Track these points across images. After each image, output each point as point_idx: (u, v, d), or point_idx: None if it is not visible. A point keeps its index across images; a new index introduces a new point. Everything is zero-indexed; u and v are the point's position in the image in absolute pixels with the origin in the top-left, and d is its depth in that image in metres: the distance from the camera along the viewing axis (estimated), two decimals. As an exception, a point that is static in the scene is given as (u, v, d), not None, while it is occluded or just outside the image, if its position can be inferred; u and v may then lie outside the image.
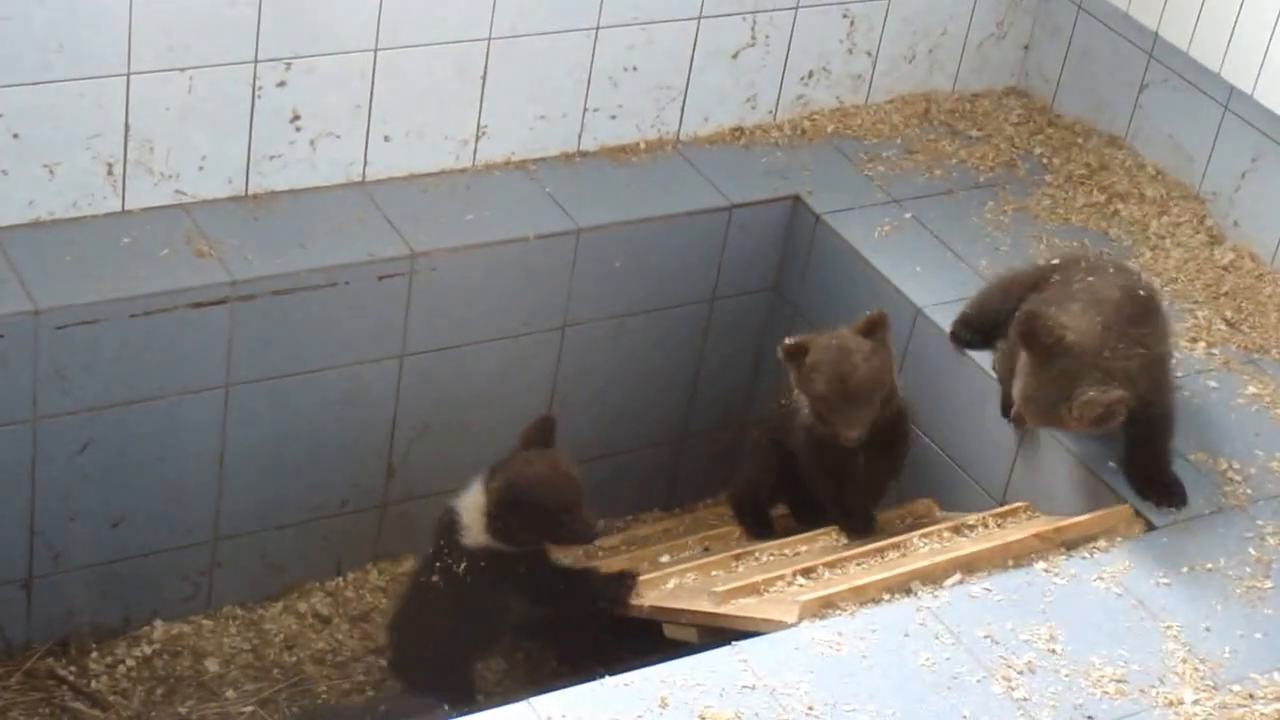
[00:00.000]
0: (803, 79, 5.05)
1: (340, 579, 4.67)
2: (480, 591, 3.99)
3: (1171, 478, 3.96)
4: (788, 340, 4.01)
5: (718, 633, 3.66)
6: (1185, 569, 3.80)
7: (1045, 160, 5.11)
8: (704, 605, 3.76)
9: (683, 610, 3.82)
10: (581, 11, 4.62)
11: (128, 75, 4.15)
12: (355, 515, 4.62)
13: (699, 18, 4.79)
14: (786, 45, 4.97)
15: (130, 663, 4.34)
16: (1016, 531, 3.87)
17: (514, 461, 3.98)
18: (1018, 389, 3.90)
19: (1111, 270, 4.07)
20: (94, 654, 4.34)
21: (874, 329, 4.00)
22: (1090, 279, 4.01)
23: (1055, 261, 4.21)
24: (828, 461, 4.08)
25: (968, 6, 5.19)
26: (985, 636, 3.55)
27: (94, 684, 4.27)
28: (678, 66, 4.83)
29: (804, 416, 4.06)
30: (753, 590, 3.75)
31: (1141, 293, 3.99)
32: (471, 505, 3.99)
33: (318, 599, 4.61)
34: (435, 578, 4.04)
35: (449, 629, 4.09)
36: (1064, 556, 3.80)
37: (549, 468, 3.96)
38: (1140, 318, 3.92)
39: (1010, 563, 3.77)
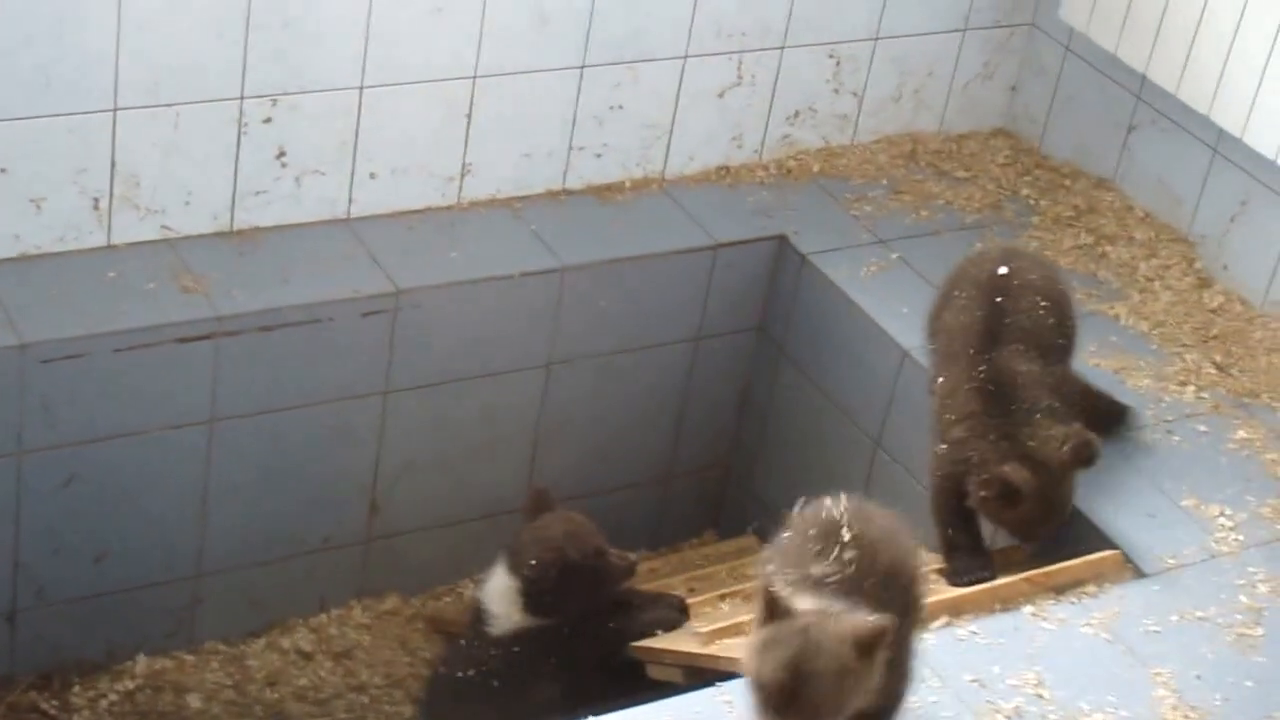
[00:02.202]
0: (789, 119, 5.05)
1: (323, 615, 4.63)
2: (516, 680, 3.94)
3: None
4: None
5: (702, 673, 3.65)
6: (1175, 616, 3.78)
7: (1033, 202, 5.11)
8: (689, 646, 3.75)
9: (667, 650, 3.80)
10: (567, 50, 4.63)
11: (114, 111, 4.14)
12: (338, 551, 4.59)
13: (685, 57, 4.80)
14: (772, 85, 4.97)
15: (113, 697, 4.31)
16: (1004, 575, 3.86)
17: (529, 533, 3.96)
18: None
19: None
20: (76, 688, 4.31)
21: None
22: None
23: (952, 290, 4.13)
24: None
25: (954, 47, 5.20)
26: (972, 680, 3.54)
27: (76, 718, 4.24)
28: (663, 105, 4.84)
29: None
30: (738, 631, 3.74)
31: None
32: (499, 591, 3.95)
33: (300, 635, 4.58)
34: (471, 672, 4.00)
35: None
36: (1053, 601, 3.78)
37: (565, 524, 3.97)
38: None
39: (998, 606, 3.76)
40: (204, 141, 4.28)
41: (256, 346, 4.22)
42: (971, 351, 3.88)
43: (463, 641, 4.07)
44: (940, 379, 3.93)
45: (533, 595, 3.89)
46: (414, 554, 4.67)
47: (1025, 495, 3.74)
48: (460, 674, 4.00)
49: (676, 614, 4.04)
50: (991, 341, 3.88)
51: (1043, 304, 3.95)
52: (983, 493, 3.76)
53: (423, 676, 4.48)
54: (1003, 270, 3.97)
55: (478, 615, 3.99)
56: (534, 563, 3.88)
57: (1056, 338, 3.98)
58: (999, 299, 3.93)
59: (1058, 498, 3.81)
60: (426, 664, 4.55)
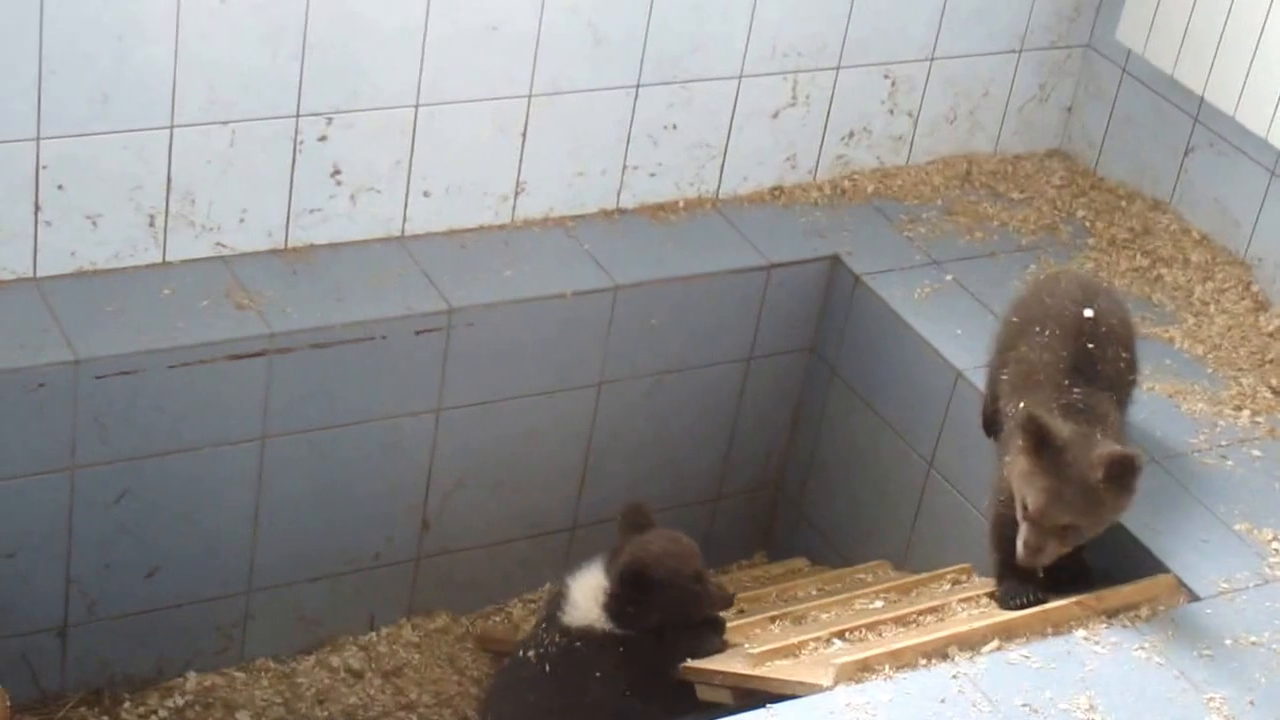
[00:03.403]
0: (843, 139, 5.04)
1: (373, 633, 4.64)
2: (571, 673, 3.92)
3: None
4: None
5: (752, 695, 3.64)
6: (1229, 641, 3.75)
7: (1088, 224, 5.09)
8: (738, 667, 3.73)
9: (717, 671, 3.79)
10: (622, 69, 4.63)
11: (171, 128, 4.16)
12: (389, 569, 4.60)
13: (740, 77, 4.79)
14: (827, 105, 4.96)
15: (163, 713, 4.32)
16: (1057, 598, 3.83)
17: (634, 545, 3.94)
18: (1031, 496, 3.76)
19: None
20: (126, 704, 4.32)
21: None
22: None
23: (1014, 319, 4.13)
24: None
25: (1010, 68, 5.18)
26: (1023, 705, 3.52)
27: (126, 735, 4.27)
28: (718, 125, 4.83)
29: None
30: (788, 652, 3.72)
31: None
32: (588, 584, 3.93)
33: (350, 653, 4.58)
34: (531, 654, 4.00)
35: (534, 710, 4.02)
36: (1105, 625, 3.76)
37: (670, 541, 3.94)
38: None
39: (1050, 630, 3.74)
40: (260, 159, 4.30)
41: (309, 364, 4.23)
42: (1055, 388, 3.86)
43: (535, 625, 4.06)
44: (1012, 407, 3.91)
45: (618, 604, 3.88)
46: (464, 572, 4.67)
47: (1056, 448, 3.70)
48: (521, 651, 4.00)
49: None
50: (1076, 380, 3.87)
51: (1124, 354, 3.98)
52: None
53: (471, 695, 4.48)
54: (1089, 313, 3.96)
55: (558, 596, 3.98)
56: (628, 575, 3.86)
57: (1128, 375, 4.01)
58: (1088, 344, 3.92)
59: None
60: (475, 683, 4.55)
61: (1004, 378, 4.04)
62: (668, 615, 3.90)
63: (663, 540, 3.94)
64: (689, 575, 3.90)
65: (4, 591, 4.12)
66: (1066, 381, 3.86)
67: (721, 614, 4.04)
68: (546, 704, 3.93)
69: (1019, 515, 3.74)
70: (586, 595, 3.92)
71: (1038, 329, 3.99)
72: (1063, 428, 3.71)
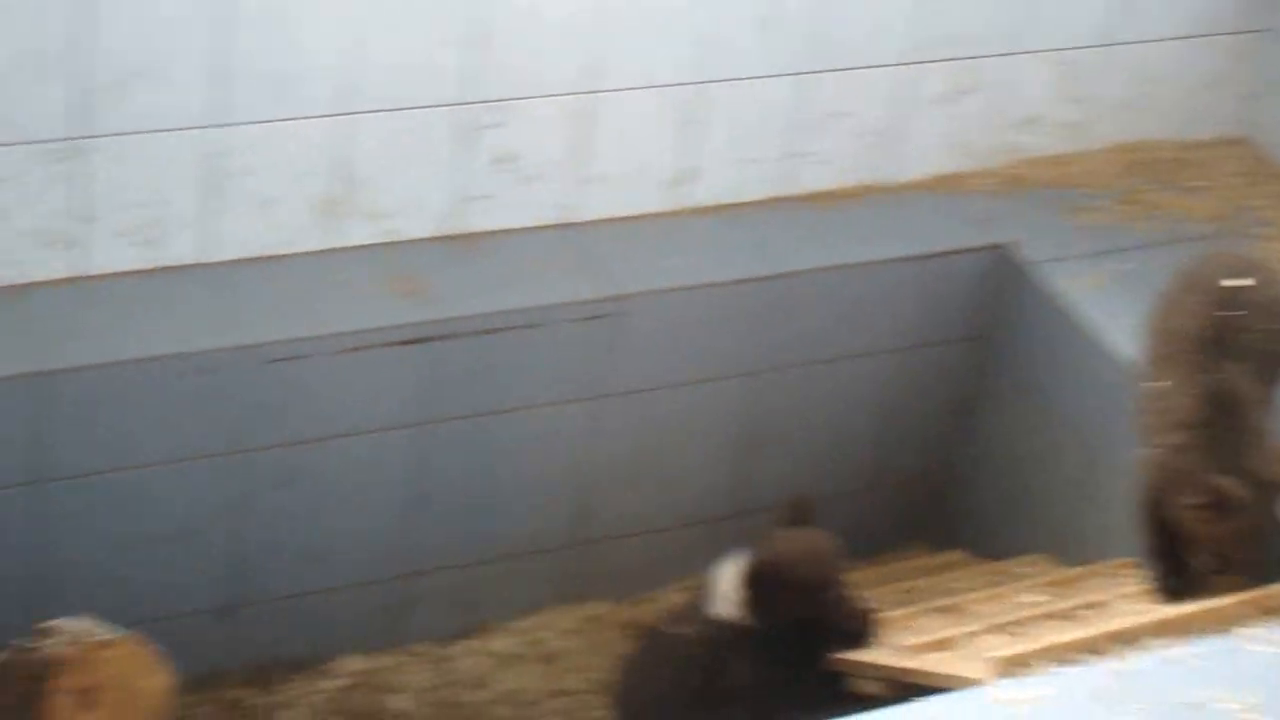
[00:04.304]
0: (1015, 125, 4.98)
1: (531, 619, 4.68)
2: (707, 659, 3.93)
3: None
4: None
5: (906, 688, 3.62)
6: (1400, 641, 3.67)
7: (1265, 213, 4.98)
8: (892, 659, 3.71)
9: (870, 664, 3.77)
10: (792, 56, 4.61)
11: (343, 115, 4.22)
12: (546, 555, 4.64)
13: (910, 63, 4.75)
14: (1000, 91, 4.91)
15: (321, 694, 4.39)
16: (1221, 596, 3.77)
17: (771, 543, 3.95)
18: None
19: None
20: (286, 684, 4.40)
21: None
22: None
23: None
24: None
25: (1187, 54, 5.09)
26: (1183, 704, 3.46)
27: (283, 714, 4.33)
28: (888, 112, 4.80)
29: None
30: (943, 645, 3.70)
31: None
32: (729, 575, 3.94)
33: (508, 638, 4.63)
34: (673, 631, 4.01)
35: (669, 687, 4.05)
36: (1270, 624, 3.69)
37: (808, 546, 3.92)
38: None
39: (1212, 628, 3.67)
40: (430, 145, 4.35)
41: (474, 350, 4.27)
42: (1198, 360, 3.79)
43: (682, 607, 4.08)
44: (1156, 382, 3.84)
45: (744, 592, 3.88)
46: (620, 559, 4.69)
47: (1237, 511, 3.65)
48: (663, 628, 4.02)
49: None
50: (1221, 353, 3.79)
51: (1277, 327, 3.87)
52: (1193, 500, 3.67)
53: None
54: (1241, 283, 3.87)
55: (704, 586, 3.98)
56: (753, 575, 3.86)
57: None
58: (1235, 312, 3.83)
59: (1264, 521, 3.72)
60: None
61: (1153, 348, 3.95)
62: (796, 617, 3.89)
63: (802, 543, 3.91)
64: (818, 583, 3.87)
65: (171, 571, 4.21)
66: (1204, 357, 3.77)
67: (869, 614, 4.02)
68: (682, 683, 3.95)
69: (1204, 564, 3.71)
70: (726, 586, 3.92)
71: (1189, 297, 3.89)
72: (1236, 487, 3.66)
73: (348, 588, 4.43)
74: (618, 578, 4.70)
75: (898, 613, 4.09)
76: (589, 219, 4.60)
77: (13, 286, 4.11)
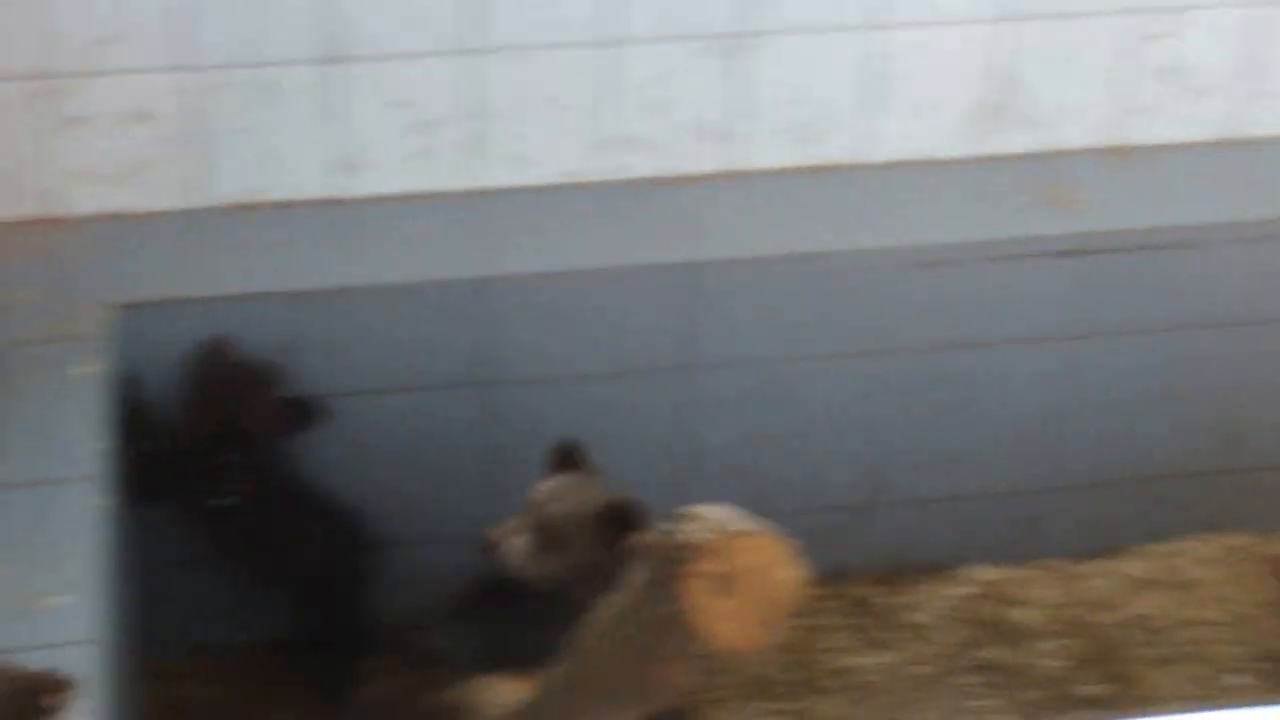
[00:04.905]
0: None
1: (1167, 545, 4.54)
2: None
3: None
4: None
5: None
6: None
7: None
8: None
9: None
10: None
11: (1004, 22, 4.18)
12: (1189, 480, 4.48)
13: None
14: None
15: (948, 602, 4.39)
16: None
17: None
18: None
19: None
20: (914, 587, 4.41)
21: None
22: None
23: None
24: None
25: None
26: None
27: (911, 616, 4.36)
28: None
29: None
30: None
31: None
32: None
33: (1141, 562, 4.51)
34: None
35: None
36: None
37: None
38: None
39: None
40: (1096, 55, 4.28)
41: (1124, 267, 4.18)
42: None
43: None
44: None
45: None
46: (1273, 490, 4.51)
47: None
48: None
49: None
50: None
51: None
52: None
53: (1263, 619, 4.34)
54: None
55: None
56: None
57: None
58: None
59: None
60: (1272, 607, 4.40)
61: None
62: None
63: None
64: None
65: (809, 467, 4.28)
66: None
67: None
68: None
69: None
70: None
71: None
72: None
73: (981, 497, 4.41)
74: (1268, 509, 4.52)
75: None
76: (1260, 135, 4.41)
77: (672, 177, 4.23)
